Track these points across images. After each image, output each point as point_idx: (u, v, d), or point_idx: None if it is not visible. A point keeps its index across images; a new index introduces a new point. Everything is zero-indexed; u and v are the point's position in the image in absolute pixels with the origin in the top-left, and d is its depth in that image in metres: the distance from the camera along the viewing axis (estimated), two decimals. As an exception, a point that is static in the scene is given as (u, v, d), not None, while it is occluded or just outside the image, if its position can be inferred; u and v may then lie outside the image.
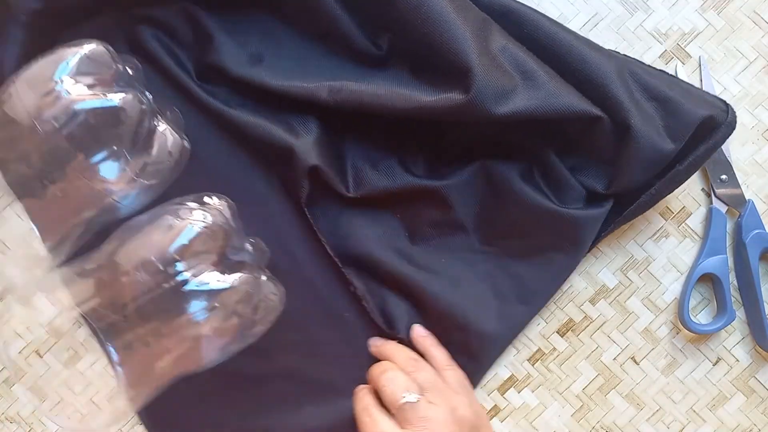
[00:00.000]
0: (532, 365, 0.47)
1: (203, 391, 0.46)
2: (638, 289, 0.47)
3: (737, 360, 0.47)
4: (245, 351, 0.41)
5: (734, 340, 0.47)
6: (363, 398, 0.42)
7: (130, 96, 0.38)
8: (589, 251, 0.46)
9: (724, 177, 0.47)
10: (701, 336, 0.47)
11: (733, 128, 0.43)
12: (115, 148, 0.38)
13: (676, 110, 0.42)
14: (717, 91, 0.48)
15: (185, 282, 0.37)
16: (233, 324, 0.38)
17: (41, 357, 0.47)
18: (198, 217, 0.38)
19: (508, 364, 0.47)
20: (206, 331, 0.38)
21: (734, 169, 0.47)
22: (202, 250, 0.38)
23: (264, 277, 0.40)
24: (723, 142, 0.43)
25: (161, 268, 0.37)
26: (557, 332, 0.47)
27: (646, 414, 0.47)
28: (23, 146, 0.38)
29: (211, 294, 0.38)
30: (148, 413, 0.46)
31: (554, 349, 0.47)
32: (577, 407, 0.47)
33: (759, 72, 0.48)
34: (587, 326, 0.47)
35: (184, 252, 0.37)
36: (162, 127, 0.40)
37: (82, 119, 0.37)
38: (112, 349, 0.38)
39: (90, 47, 0.39)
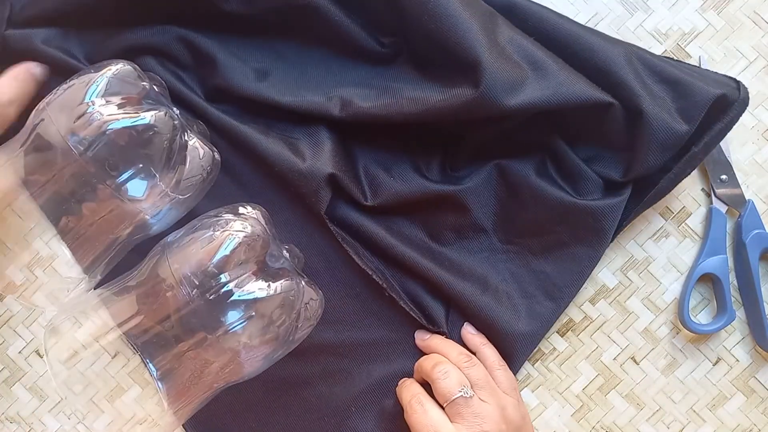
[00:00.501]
0: (532, 365, 0.47)
1: (247, 399, 0.46)
2: (638, 289, 0.47)
3: (737, 360, 0.47)
4: (286, 355, 0.41)
5: (734, 340, 0.47)
6: (411, 387, 0.43)
7: (161, 113, 0.39)
8: (612, 240, 0.46)
9: (724, 177, 0.47)
10: (701, 336, 0.47)
11: (746, 105, 0.43)
12: (149, 164, 0.39)
13: (687, 92, 0.42)
14: (717, 91, 0.48)
15: (230, 293, 0.37)
16: (277, 331, 0.39)
17: (41, 357, 0.47)
18: (237, 228, 0.39)
19: (508, 364, 0.47)
20: (252, 340, 0.38)
21: (734, 169, 0.47)
22: (243, 259, 0.38)
23: (303, 283, 0.41)
24: (737, 119, 0.43)
25: (205, 280, 0.37)
26: (557, 332, 0.47)
27: (646, 414, 0.47)
28: (57, 168, 0.39)
29: (256, 302, 0.38)
30: (193, 424, 0.46)
31: (554, 349, 0.47)
32: (577, 407, 0.47)
33: (759, 72, 0.48)
34: (587, 326, 0.47)
35: (227, 263, 0.38)
36: (192, 140, 0.41)
37: (115, 139, 0.38)
38: (152, 367, 0.38)
39: (117, 67, 0.40)
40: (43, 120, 0.39)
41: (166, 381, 0.39)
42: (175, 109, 0.41)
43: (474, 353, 0.44)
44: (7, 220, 0.47)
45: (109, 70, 0.40)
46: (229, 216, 0.40)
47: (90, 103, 0.38)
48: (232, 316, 0.37)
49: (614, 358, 0.47)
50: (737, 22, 0.48)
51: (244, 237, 0.39)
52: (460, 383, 0.41)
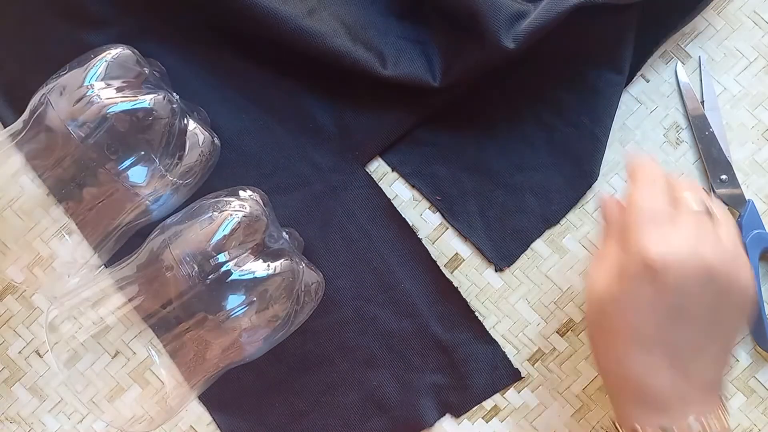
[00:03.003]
0: (532, 365, 0.47)
1: (269, 379, 0.46)
2: (638, 289, 0.47)
3: (737, 360, 0.47)
4: (302, 335, 0.42)
5: (734, 340, 0.47)
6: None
7: (160, 96, 0.39)
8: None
9: (724, 177, 0.47)
10: (701, 336, 0.47)
11: None
12: (148, 149, 0.39)
13: None
14: (717, 91, 0.48)
15: (228, 272, 0.38)
16: (276, 312, 0.39)
17: (41, 357, 0.47)
18: (236, 208, 0.39)
19: (508, 364, 0.47)
20: (251, 320, 0.39)
21: (734, 169, 0.47)
22: (243, 239, 0.38)
23: (303, 265, 0.41)
24: None
25: (205, 260, 0.38)
26: (557, 332, 0.47)
27: (646, 414, 0.47)
28: (58, 152, 0.39)
29: (255, 282, 0.38)
30: (218, 407, 0.47)
31: (554, 349, 0.47)
32: (577, 407, 0.47)
33: (759, 72, 0.48)
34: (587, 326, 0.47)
35: (226, 243, 0.38)
36: (192, 126, 0.41)
37: (114, 122, 0.38)
38: (153, 350, 0.39)
39: (117, 51, 0.40)
40: (43, 104, 0.39)
41: (172, 361, 0.39)
42: (174, 94, 0.41)
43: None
44: (7, 220, 0.47)
45: (109, 54, 0.40)
46: (228, 198, 0.40)
47: (89, 87, 0.38)
48: (232, 296, 0.38)
49: (614, 358, 0.47)
50: (737, 22, 0.48)
51: (243, 217, 0.39)
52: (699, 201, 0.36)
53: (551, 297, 0.47)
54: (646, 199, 0.36)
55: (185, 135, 0.40)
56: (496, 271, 0.47)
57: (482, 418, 0.47)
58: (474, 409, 0.47)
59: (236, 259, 0.38)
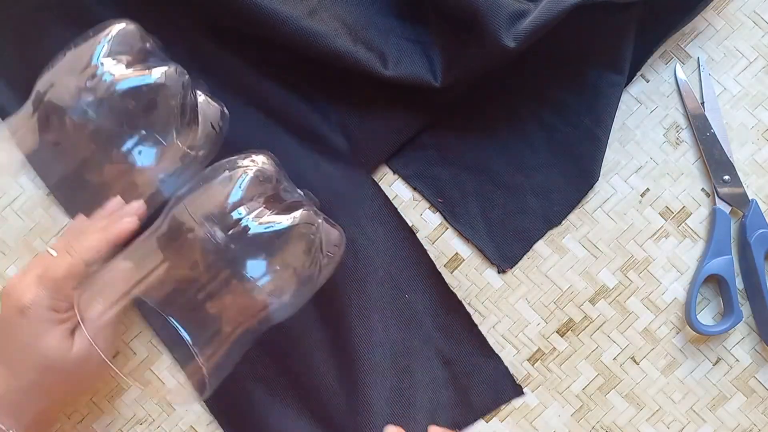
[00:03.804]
0: (532, 365, 0.47)
1: (276, 387, 0.46)
2: (638, 289, 0.47)
3: (737, 360, 0.47)
4: (326, 319, 0.43)
5: (734, 340, 0.47)
6: None
7: (171, 69, 0.39)
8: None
9: (726, 177, 0.47)
10: (701, 336, 0.47)
11: None
12: (164, 122, 0.38)
13: None
14: (717, 91, 0.48)
15: (248, 227, 0.37)
16: (300, 265, 0.39)
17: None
18: (248, 164, 0.39)
19: (508, 364, 0.47)
20: (276, 275, 0.38)
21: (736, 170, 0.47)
22: (259, 192, 0.38)
23: (321, 219, 0.40)
24: None
25: (223, 217, 0.37)
26: (557, 332, 0.47)
27: (646, 414, 0.47)
28: (71, 133, 0.38)
29: (277, 234, 0.38)
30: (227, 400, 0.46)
31: (554, 349, 0.47)
32: (577, 407, 0.47)
33: (759, 72, 0.47)
34: (587, 326, 0.47)
35: (243, 197, 0.38)
36: (201, 97, 0.41)
37: (128, 98, 0.38)
38: (175, 321, 0.37)
39: (120, 26, 0.39)
40: (53, 85, 0.38)
41: (192, 332, 0.38)
42: (179, 65, 0.41)
43: None
44: (7, 220, 0.47)
45: (113, 29, 0.39)
46: (240, 159, 0.40)
47: (99, 65, 0.38)
48: (254, 251, 0.38)
49: (614, 358, 0.47)
50: (737, 22, 0.48)
51: (257, 171, 0.39)
52: None
53: (551, 297, 0.47)
54: None
55: (197, 106, 0.40)
56: (498, 272, 0.47)
57: (482, 418, 0.47)
58: (474, 409, 0.47)
59: (254, 213, 0.38)
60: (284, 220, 0.38)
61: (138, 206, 0.41)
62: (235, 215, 0.37)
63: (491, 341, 0.47)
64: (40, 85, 0.39)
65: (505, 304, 0.47)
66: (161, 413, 0.47)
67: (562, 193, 0.47)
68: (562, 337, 0.47)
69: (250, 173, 0.39)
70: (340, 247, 0.41)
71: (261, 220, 0.38)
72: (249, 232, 0.37)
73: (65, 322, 0.39)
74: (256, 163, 0.39)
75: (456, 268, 0.48)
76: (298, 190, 0.42)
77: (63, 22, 0.46)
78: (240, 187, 0.38)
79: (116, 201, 0.41)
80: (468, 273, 0.48)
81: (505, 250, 0.47)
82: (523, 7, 0.43)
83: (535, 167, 0.47)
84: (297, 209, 0.39)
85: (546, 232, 0.47)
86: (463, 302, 0.47)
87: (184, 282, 0.38)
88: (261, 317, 0.40)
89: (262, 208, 0.38)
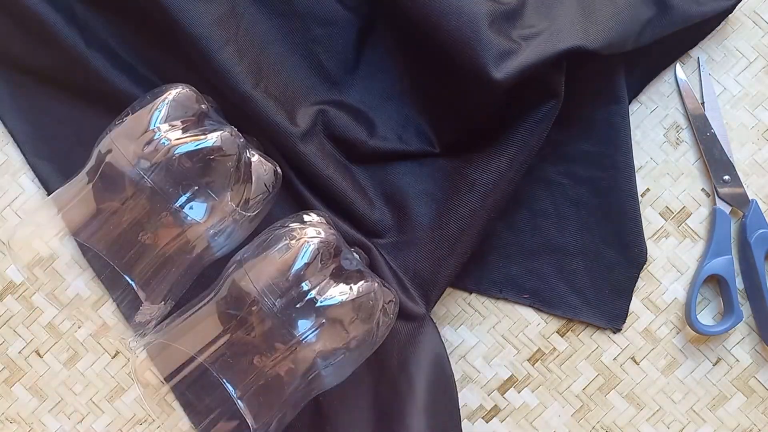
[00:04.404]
0: (532, 365, 0.47)
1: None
2: (638, 289, 0.47)
3: (737, 360, 0.47)
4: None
5: (734, 340, 0.47)
6: None
7: (226, 133, 0.40)
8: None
9: (726, 177, 0.47)
10: (701, 336, 0.47)
11: None
12: (219, 185, 0.39)
13: None
14: (717, 91, 0.48)
15: (313, 300, 0.38)
16: (359, 333, 0.39)
17: (41, 357, 0.47)
18: (311, 234, 0.39)
19: (508, 364, 0.47)
20: (332, 345, 0.38)
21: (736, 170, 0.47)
22: (321, 265, 0.38)
23: (377, 284, 0.40)
24: None
25: (287, 289, 0.38)
26: (557, 332, 0.47)
27: (646, 414, 0.47)
28: (128, 197, 0.39)
29: (339, 307, 0.38)
30: None
31: (554, 349, 0.47)
32: (577, 407, 0.47)
33: (759, 72, 0.48)
34: (587, 326, 0.47)
35: (306, 271, 0.38)
36: (255, 158, 0.41)
37: (184, 162, 0.38)
38: (230, 385, 0.38)
39: (177, 90, 0.40)
40: (111, 151, 0.39)
41: (247, 400, 0.38)
42: (233, 128, 0.41)
43: None
44: (8, 220, 0.47)
45: (170, 94, 0.40)
46: (297, 224, 0.40)
47: (156, 129, 0.39)
48: (317, 323, 0.38)
49: (614, 358, 0.47)
50: (737, 22, 0.48)
51: (320, 243, 0.39)
52: None
53: (551, 297, 0.47)
54: None
55: (251, 167, 0.41)
56: (614, 332, 0.47)
57: (482, 418, 0.47)
58: (474, 409, 0.47)
59: (318, 287, 0.38)
60: (347, 293, 0.38)
61: None
62: (299, 288, 0.38)
63: (491, 341, 0.47)
64: (99, 149, 0.40)
65: (505, 304, 0.47)
66: (161, 413, 0.47)
67: (632, 231, 0.47)
68: (562, 337, 0.47)
69: (314, 245, 0.39)
70: (396, 309, 0.41)
71: (326, 294, 0.38)
72: (314, 306, 0.38)
73: None
74: (318, 233, 0.39)
75: (456, 268, 0.48)
76: (353, 252, 0.42)
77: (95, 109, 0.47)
78: (305, 259, 0.38)
79: None
80: (468, 273, 0.48)
81: (610, 311, 0.47)
82: (513, 46, 0.42)
83: (589, 223, 0.47)
84: (359, 280, 0.39)
85: (639, 274, 0.47)
86: (464, 302, 0.47)
87: (240, 346, 0.39)
88: (314, 384, 0.40)
89: (325, 280, 0.38)
